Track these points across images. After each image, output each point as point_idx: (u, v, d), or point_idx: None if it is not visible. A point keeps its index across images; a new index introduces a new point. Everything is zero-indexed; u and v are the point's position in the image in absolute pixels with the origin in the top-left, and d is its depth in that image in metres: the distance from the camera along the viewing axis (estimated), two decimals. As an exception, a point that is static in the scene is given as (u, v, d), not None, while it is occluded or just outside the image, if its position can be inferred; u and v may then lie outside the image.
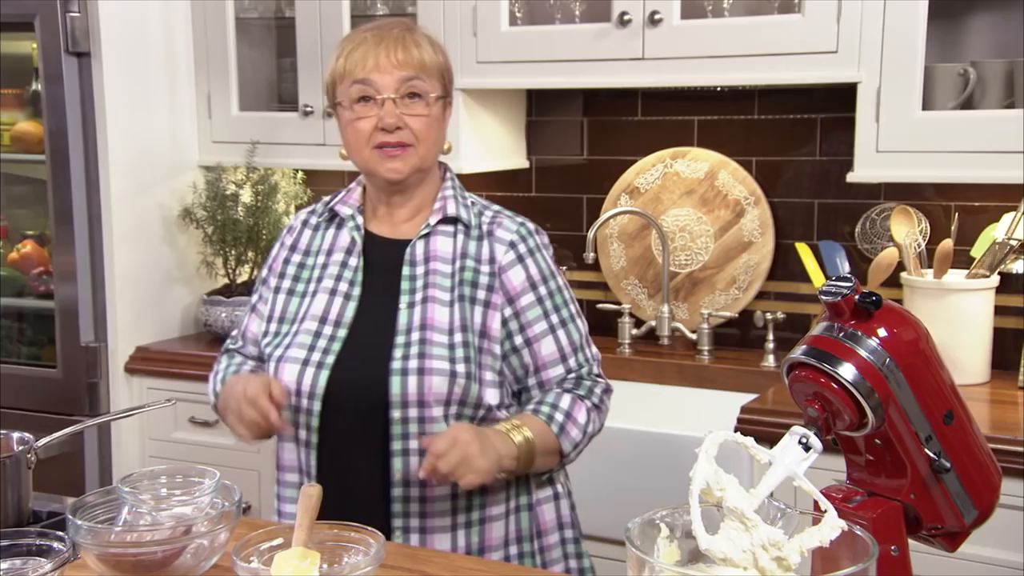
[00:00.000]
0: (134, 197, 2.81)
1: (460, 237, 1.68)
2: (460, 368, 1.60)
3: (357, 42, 1.65)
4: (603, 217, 2.64)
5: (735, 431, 1.40)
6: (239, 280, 2.96)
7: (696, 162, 2.68)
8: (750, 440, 1.14)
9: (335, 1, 2.75)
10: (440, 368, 1.59)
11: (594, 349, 1.73)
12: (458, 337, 1.62)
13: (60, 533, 1.27)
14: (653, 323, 2.70)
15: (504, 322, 1.65)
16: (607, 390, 1.72)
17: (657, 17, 2.39)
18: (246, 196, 2.92)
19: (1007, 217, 2.28)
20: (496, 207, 1.74)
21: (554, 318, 1.67)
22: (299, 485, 1.66)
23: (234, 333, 1.83)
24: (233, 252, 2.92)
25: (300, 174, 3.00)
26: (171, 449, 2.77)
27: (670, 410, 2.55)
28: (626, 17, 2.41)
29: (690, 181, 2.69)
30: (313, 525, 1.31)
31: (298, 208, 3.08)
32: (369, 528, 1.31)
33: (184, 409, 2.74)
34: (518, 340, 1.65)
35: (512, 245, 1.67)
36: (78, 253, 2.73)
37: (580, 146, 2.85)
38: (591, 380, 1.69)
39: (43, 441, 1.56)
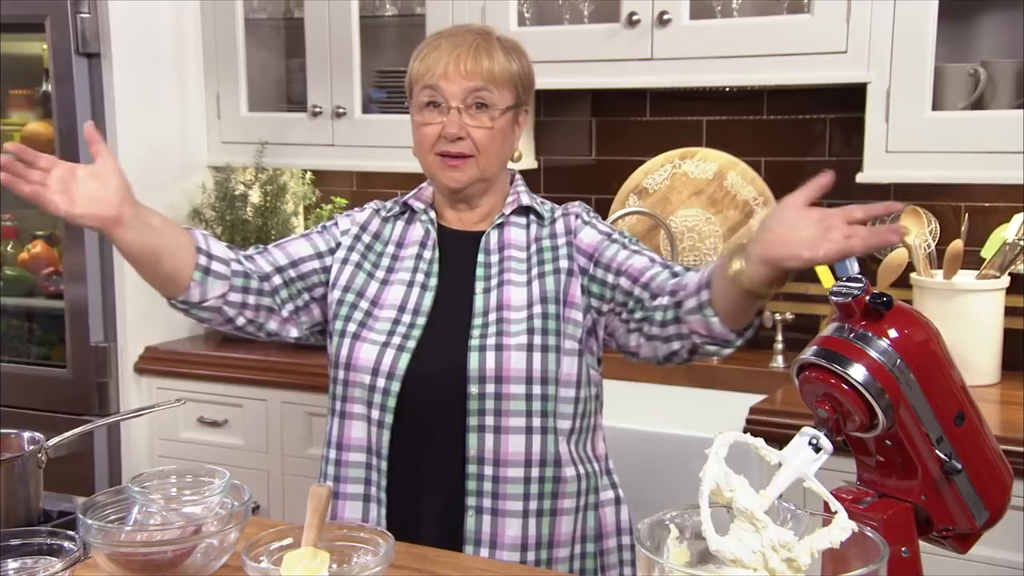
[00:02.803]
0: (143, 197, 2.75)
1: (533, 227, 1.71)
2: (537, 340, 1.61)
3: (432, 47, 1.67)
4: (612, 218, 2.64)
5: (744, 432, 1.40)
6: (248, 280, 2.96)
7: (705, 162, 2.68)
8: (760, 441, 1.14)
9: (344, 1, 2.76)
10: (518, 343, 1.60)
11: None
12: (536, 309, 1.63)
13: (71, 532, 1.27)
14: (662, 324, 2.70)
15: (584, 289, 1.65)
16: None
17: (666, 17, 2.38)
18: (255, 196, 2.93)
19: (1017, 218, 2.28)
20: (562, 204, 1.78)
21: (634, 247, 1.67)
22: (366, 465, 1.65)
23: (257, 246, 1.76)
24: (242, 252, 2.92)
25: (309, 175, 3.01)
26: (180, 449, 2.78)
27: (679, 411, 2.55)
28: (635, 17, 2.41)
29: (699, 181, 2.68)
30: (323, 525, 1.31)
31: (307, 208, 3.10)
32: (379, 528, 1.32)
33: (193, 409, 2.75)
34: (610, 277, 1.64)
35: (577, 216, 1.72)
36: (88, 253, 2.74)
37: (588, 146, 2.85)
38: None
39: (53, 441, 1.56)
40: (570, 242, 1.68)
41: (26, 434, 1.56)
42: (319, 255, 1.73)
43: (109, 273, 2.77)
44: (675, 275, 1.61)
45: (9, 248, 3.01)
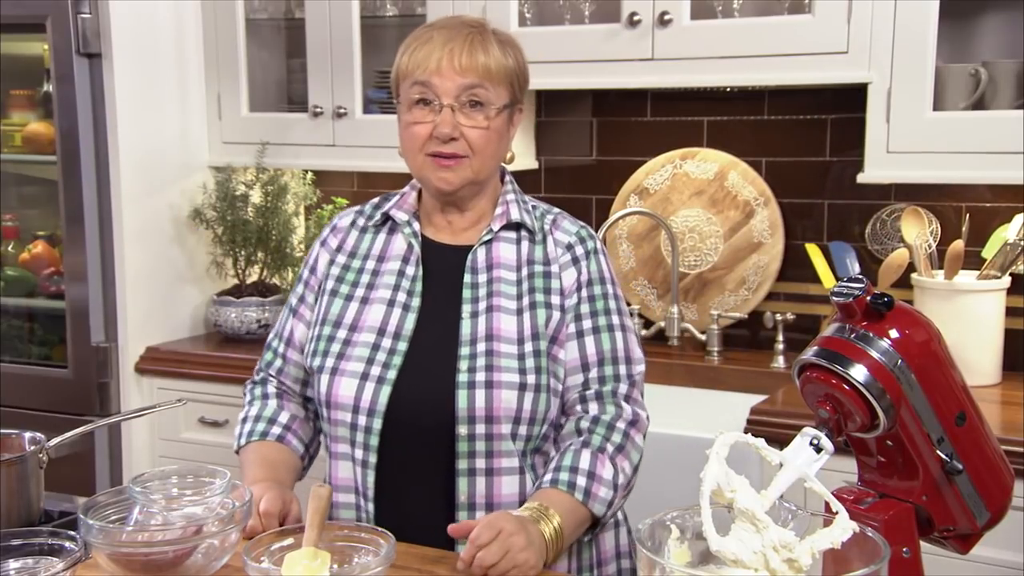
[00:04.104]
0: (144, 197, 2.82)
1: (524, 244, 1.61)
2: (531, 379, 1.53)
3: (423, 40, 1.56)
4: (612, 218, 2.64)
5: (745, 432, 1.39)
6: (249, 280, 2.96)
7: (706, 163, 2.68)
8: (761, 441, 1.14)
9: (344, 2, 2.76)
10: (509, 381, 1.51)
11: (636, 367, 1.61)
12: (528, 347, 1.54)
13: (72, 533, 1.27)
14: (662, 324, 2.70)
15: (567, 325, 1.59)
16: (634, 421, 1.58)
17: (667, 17, 2.38)
18: (256, 197, 2.93)
19: (1018, 218, 2.28)
20: (557, 210, 1.68)
21: (586, 323, 1.58)
22: (355, 506, 1.58)
23: (267, 347, 1.72)
24: (243, 253, 2.93)
25: (309, 175, 3.01)
26: (181, 449, 2.78)
27: (680, 411, 2.55)
28: (636, 18, 2.41)
29: (699, 182, 2.68)
30: (324, 525, 1.31)
31: (308, 208, 3.10)
32: (379, 528, 1.31)
33: (194, 409, 2.75)
34: (560, 340, 1.58)
35: (569, 247, 1.61)
36: (89, 253, 2.74)
37: (589, 147, 2.85)
38: (614, 406, 1.57)
39: (55, 441, 1.56)
40: (556, 273, 1.60)
41: (27, 434, 1.56)
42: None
43: (110, 273, 2.77)
44: (586, 391, 1.58)
45: (10, 248, 3.01)
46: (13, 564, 1.24)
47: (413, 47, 1.57)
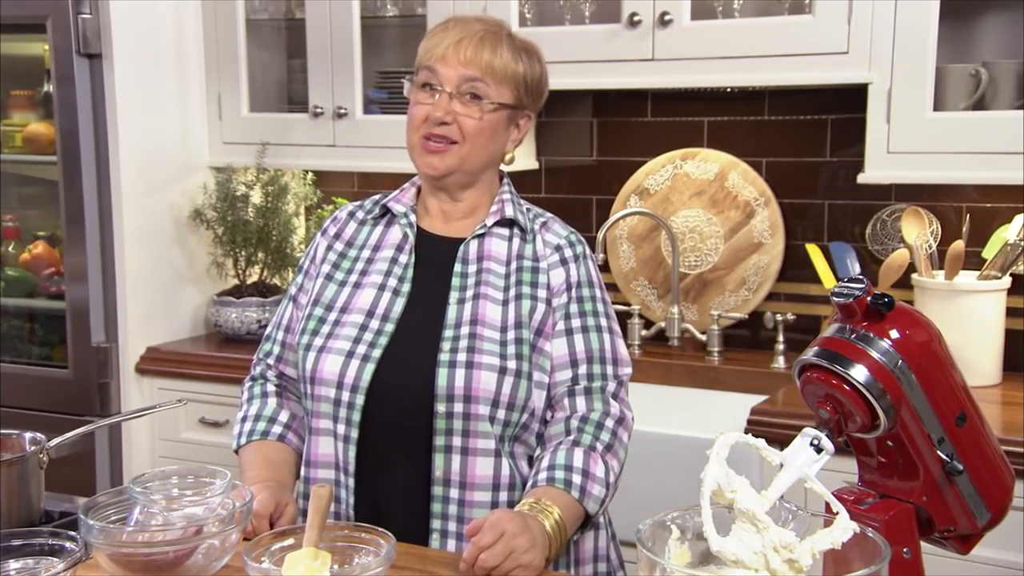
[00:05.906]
0: (145, 198, 2.82)
1: (516, 241, 1.66)
2: (511, 365, 1.56)
3: (440, 29, 1.64)
4: (613, 218, 2.64)
5: (745, 433, 1.38)
6: (249, 281, 2.96)
7: (706, 163, 2.68)
8: (761, 442, 1.14)
9: (345, 2, 2.76)
10: (490, 363, 1.55)
11: (623, 369, 1.64)
12: (511, 334, 1.58)
13: (72, 533, 1.27)
14: (663, 324, 2.70)
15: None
16: (621, 419, 1.61)
17: (667, 18, 2.39)
18: (256, 197, 2.93)
19: (1019, 218, 2.28)
20: (550, 215, 1.72)
21: (575, 322, 1.62)
22: (335, 482, 1.61)
23: (266, 337, 1.74)
24: (243, 253, 2.93)
25: (310, 175, 3.01)
26: (181, 449, 2.78)
27: (680, 411, 2.55)
28: (636, 18, 2.41)
29: (700, 182, 2.68)
30: (324, 525, 1.31)
31: (308, 209, 3.10)
32: (380, 529, 1.32)
33: (194, 409, 2.75)
34: (546, 335, 1.61)
35: (558, 248, 1.65)
36: (89, 254, 2.74)
37: (590, 147, 2.85)
38: (602, 402, 1.60)
39: (55, 441, 1.56)
40: (544, 270, 1.63)
41: (28, 434, 1.56)
42: None
43: (110, 273, 2.77)
44: (575, 386, 1.59)
45: (10, 249, 3.01)
46: (13, 564, 1.24)
47: (430, 34, 1.65)
